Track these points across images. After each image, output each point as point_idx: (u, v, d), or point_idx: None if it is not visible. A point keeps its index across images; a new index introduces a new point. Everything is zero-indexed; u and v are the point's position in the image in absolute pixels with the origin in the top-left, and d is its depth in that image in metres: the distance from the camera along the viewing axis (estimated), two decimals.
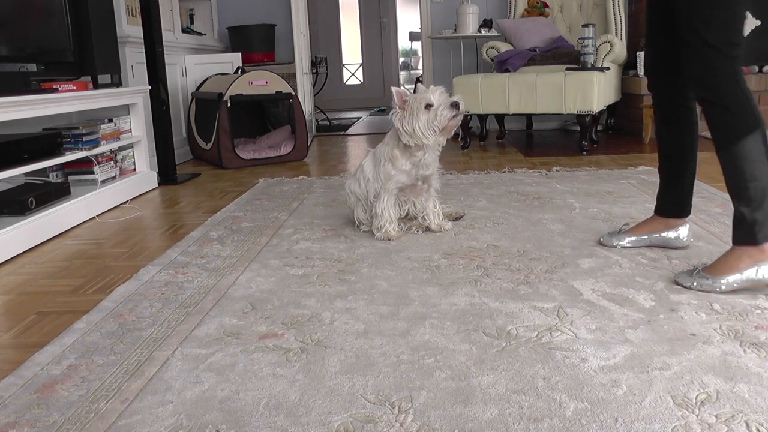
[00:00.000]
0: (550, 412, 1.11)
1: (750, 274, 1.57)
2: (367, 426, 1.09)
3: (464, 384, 1.21)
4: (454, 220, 2.40)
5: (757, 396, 1.13)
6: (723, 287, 1.59)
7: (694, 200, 2.58)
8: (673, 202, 1.93)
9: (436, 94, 2.11)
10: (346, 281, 1.81)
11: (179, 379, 1.28)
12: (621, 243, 2.00)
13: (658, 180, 1.96)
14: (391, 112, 2.17)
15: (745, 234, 1.58)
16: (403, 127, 2.13)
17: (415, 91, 2.18)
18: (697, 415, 1.08)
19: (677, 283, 1.67)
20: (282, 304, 1.66)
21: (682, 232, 1.95)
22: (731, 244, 1.63)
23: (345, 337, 1.44)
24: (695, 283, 1.63)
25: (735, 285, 1.58)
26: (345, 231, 2.36)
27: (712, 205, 2.51)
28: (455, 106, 2.09)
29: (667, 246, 1.96)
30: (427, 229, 2.29)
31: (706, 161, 3.62)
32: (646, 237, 1.97)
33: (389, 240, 2.20)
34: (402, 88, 2.17)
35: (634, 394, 1.15)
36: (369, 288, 1.75)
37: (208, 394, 1.22)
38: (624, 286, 1.68)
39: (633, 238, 1.98)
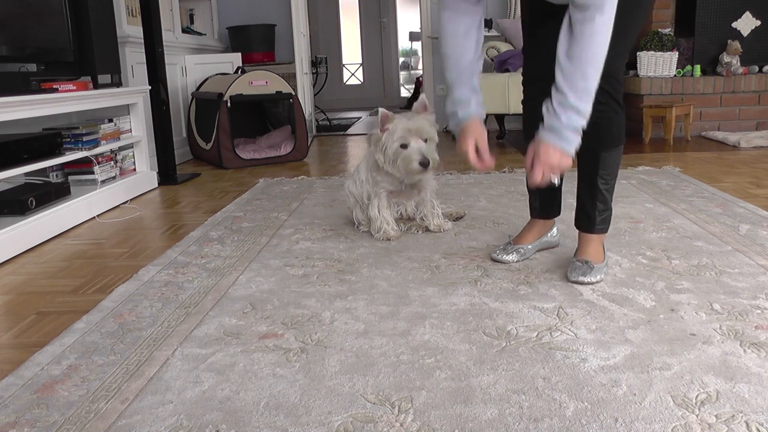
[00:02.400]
0: (550, 412, 1.11)
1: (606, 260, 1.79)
2: (367, 426, 1.09)
3: (464, 384, 1.21)
4: (454, 220, 2.40)
5: (757, 396, 1.13)
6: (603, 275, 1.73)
7: (695, 200, 2.59)
8: (557, 203, 1.97)
9: (413, 139, 2.04)
10: (346, 281, 1.81)
11: (179, 379, 1.28)
12: (513, 257, 1.92)
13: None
14: (371, 132, 2.14)
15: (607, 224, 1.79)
16: (375, 149, 2.13)
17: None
18: (697, 415, 1.08)
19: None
20: (282, 304, 1.66)
21: (555, 230, 2.01)
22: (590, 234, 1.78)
23: (345, 337, 1.44)
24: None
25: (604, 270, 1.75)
26: (345, 231, 2.36)
27: (712, 205, 2.51)
28: (423, 164, 2.05)
29: (549, 247, 2.00)
30: (427, 229, 2.30)
31: (707, 161, 3.63)
32: (531, 246, 1.95)
33: (389, 240, 2.20)
34: (388, 111, 2.09)
35: (634, 394, 1.15)
36: (369, 288, 1.75)
37: (208, 394, 1.22)
38: (624, 286, 1.68)
39: (524, 248, 1.94)
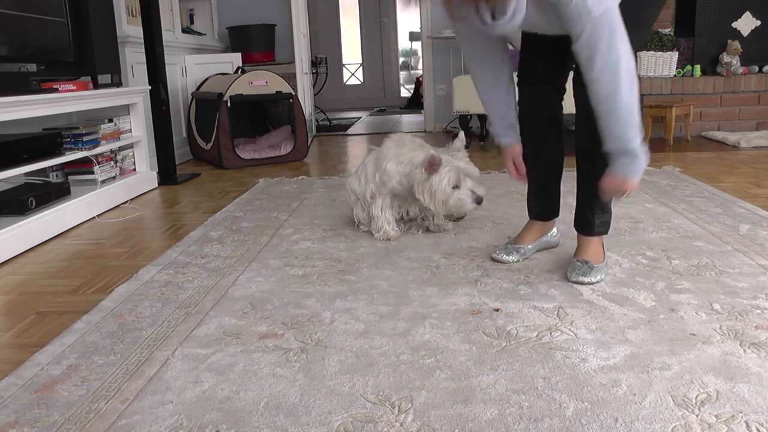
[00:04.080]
0: (550, 412, 1.11)
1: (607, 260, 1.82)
2: (367, 426, 1.09)
3: (464, 384, 1.21)
4: (454, 221, 2.40)
5: (757, 396, 1.13)
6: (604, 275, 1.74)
7: (695, 200, 2.59)
8: (555, 205, 1.98)
9: (464, 180, 2.05)
10: (346, 281, 1.81)
11: (179, 379, 1.28)
12: (513, 257, 1.93)
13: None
14: (414, 168, 2.08)
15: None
16: (417, 188, 2.08)
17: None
18: (697, 415, 1.08)
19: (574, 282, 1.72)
20: (282, 304, 1.66)
21: (555, 230, 2.03)
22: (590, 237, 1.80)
23: (345, 337, 1.44)
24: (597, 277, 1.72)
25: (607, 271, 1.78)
26: (345, 231, 2.36)
27: (712, 205, 2.51)
28: (479, 202, 2.08)
29: (549, 247, 2.01)
30: (427, 229, 2.29)
31: (707, 161, 3.63)
32: (531, 246, 1.96)
33: (389, 240, 2.20)
34: (439, 155, 2.03)
35: (634, 394, 1.15)
36: (369, 288, 1.75)
37: (208, 394, 1.22)
38: (624, 286, 1.68)
39: (524, 248, 1.95)
